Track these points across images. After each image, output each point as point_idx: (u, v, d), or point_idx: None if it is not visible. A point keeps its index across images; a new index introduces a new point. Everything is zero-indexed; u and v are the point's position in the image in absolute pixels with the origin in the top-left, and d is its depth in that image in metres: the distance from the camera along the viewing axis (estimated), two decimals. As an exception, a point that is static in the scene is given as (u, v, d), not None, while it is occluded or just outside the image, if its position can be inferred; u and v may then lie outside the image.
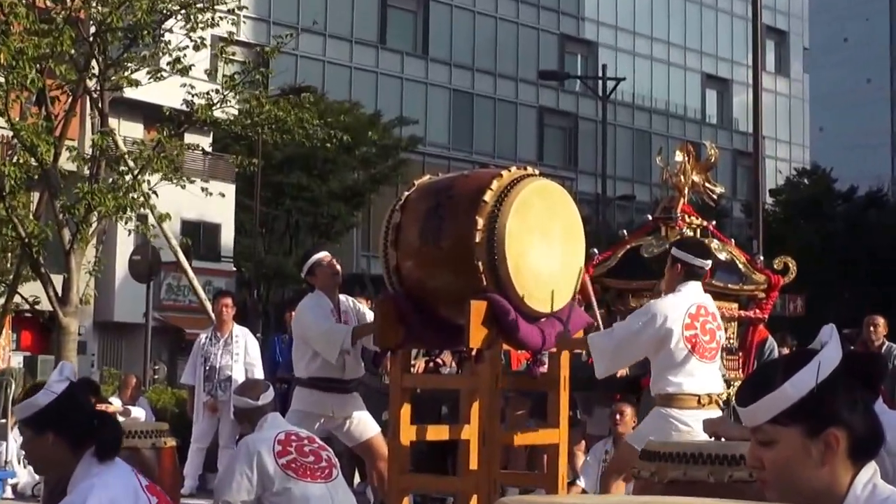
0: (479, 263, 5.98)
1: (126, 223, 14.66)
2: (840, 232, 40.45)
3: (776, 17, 57.75)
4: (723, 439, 5.03)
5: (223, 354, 10.38)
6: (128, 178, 14.43)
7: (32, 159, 13.85)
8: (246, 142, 27.13)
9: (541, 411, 7.16)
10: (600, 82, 31.68)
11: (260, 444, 5.70)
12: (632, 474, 5.62)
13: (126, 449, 3.95)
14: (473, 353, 6.07)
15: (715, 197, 9.08)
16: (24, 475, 10.54)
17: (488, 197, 6.05)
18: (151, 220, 15.64)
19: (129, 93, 16.16)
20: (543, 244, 6.20)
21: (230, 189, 31.74)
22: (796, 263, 9.06)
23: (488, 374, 6.10)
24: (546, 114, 51.03)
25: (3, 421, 10.75)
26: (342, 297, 7.73)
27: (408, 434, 6.39)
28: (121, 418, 6.70)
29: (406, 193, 6.47)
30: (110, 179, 14.67)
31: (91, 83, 14.78)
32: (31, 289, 15.10)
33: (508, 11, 49.89)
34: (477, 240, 5.99)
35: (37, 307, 15.04)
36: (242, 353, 10.42)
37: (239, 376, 10.09)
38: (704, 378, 6.04)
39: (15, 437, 10.18)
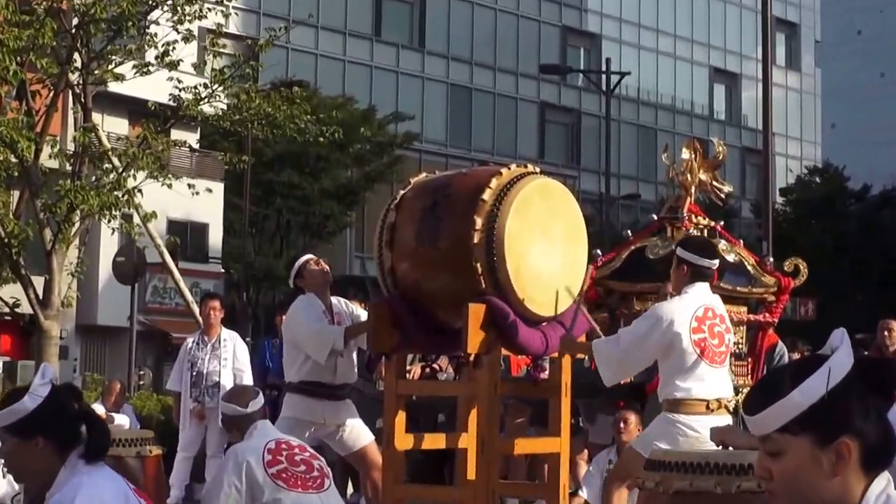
0: (478, 265, 5.99)
1: (110, 222, 14.65)
2: (853, 232, 40.47)
3: (787, 8, 57.80)
4: (730, 448, 5.04)
5: (211, 359, 10.37)
6: (112, 175, 14.43)
7: (12, 156, 13.85)
8: (235, 138, 27.18)
9: (541, 419, 7.17)
10: (604, 76, 31.68)
11: (249, 454, 5.70)
12: (636, 484, 5.63)
13: (110, 457, 3.95)
14: (471, 358, 6.07)
15: (723, 196, 9.09)
16: (3, 485, 10.52)
17: (487, 196, 6.06)
18: (136, 219, 15.63)
19: (114, 87, 16.18)
20: (544, 245, 6.21)
21: (218, 187, 31.75)
22: (807, 265, 9.06)
23: (487, 381, 6.10)
24: (547, 109, 51.05)
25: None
26: (335, 299, 7.74)
27: (403, 442, 6.39)
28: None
29: (402, 192, 6.47)
30: (93, 177, 14.67)
31: (73, 77, 14.79)
32: (10, 291, 15.08)
33: (508, 3, 49.93)
34: (475, 240, 5.99)
35: (17, 310, 15.03)
36: (231, 359, 10.42)
37: (227, 382, 10.09)
38: (714, 383, 6.05)
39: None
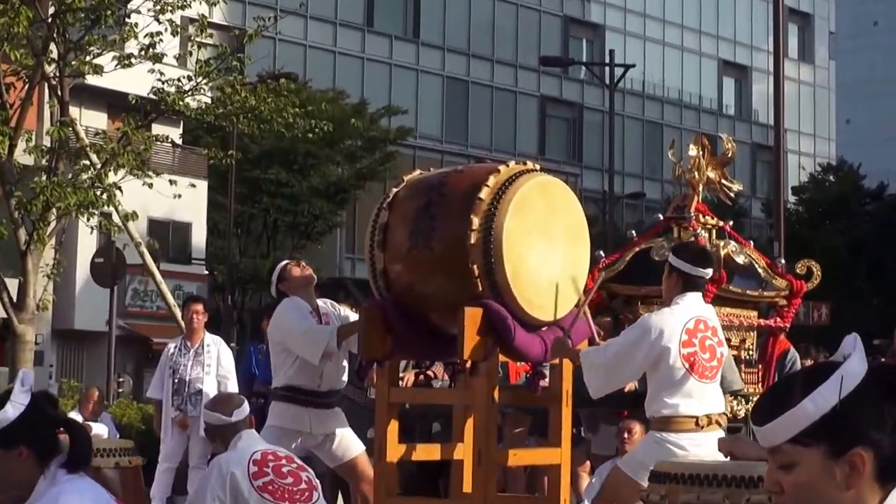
0: (474, 267, 5.99)
1: (89, 220, 14.64)
2: (868, 233, 40.54)
3: (800, -2, 57.96)
4: (739, 459, 5.04)
5: (193, 366, 10.38)
6: (90, 172, 14.42)
7: (-15, 152, 13.85)
8: (219, 133, 27.18)
9: (541, 429, 7.17)
10: (607, 69, 31.71)
11: (234, 465, 5.70)
12: (640, 497, 5.64)
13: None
14: (468, 365, 6.08)
15: (732, 195, 9.09)
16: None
17: (484, 194, 6.06)
18: (116, 218, 15.63)
19: (92, 80, 16.15)
20: (544, 246, 6.21)
21: (202, 185, 31.76)
22: (821, 268, 9.07)
23: (484, 388, 6.10)
24: (548, 103, 51.10)
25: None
26: (321, 301, 7.75)
27: (395, 453, 6.39)
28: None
29: (394, 190, 6.47)
30: (70, 174, 14.66)
31: (50, 68, 14.77)
32: (-17, 293, 15.08)
33: (507, -9, 50.00)
34: (472, 241, 5.99)
35: (-11, 314, 15.03)
36: (215, 365, 10.42)
37: (211, 390, 10.09)
38: (703, 398, 6.01)
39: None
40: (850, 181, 43.88)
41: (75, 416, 11.41)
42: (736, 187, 9.10)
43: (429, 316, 6.34)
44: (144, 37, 14.69)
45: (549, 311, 6.21)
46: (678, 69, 55.22)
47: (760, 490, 4.59)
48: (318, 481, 5.98)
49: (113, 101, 28.74)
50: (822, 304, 23.80)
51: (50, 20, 14.37)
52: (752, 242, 9.32)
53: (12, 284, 14.36)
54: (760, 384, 8.71)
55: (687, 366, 5.95)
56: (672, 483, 4.93)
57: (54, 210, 14.01)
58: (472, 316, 5.95)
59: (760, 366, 8.85)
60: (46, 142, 16.05)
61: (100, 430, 11.30)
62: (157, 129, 17.26)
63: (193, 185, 18.02)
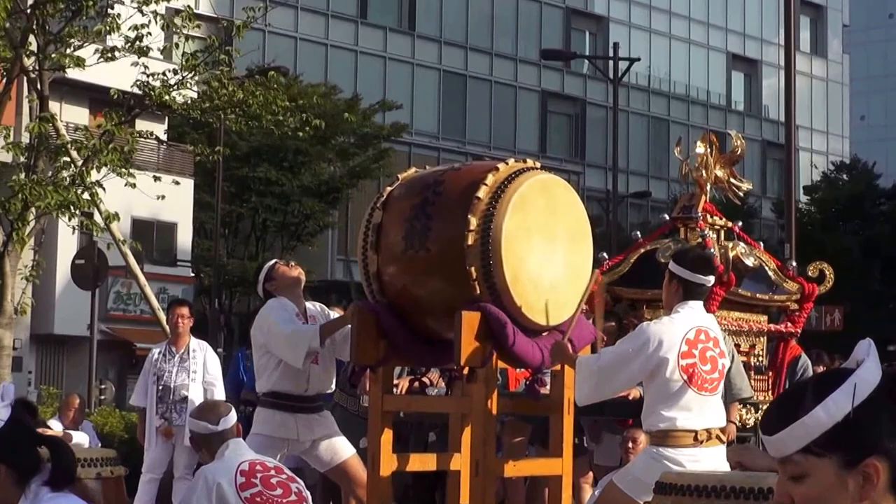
0: (472, 269, 5.99)
1: (70, 220, 14.63)
2: (884, 234, 40.58)
3: (812, -11, 58.00)
4: (748, 470, 5.04)
5: (179, 372, 10.37)
6: (71, 170, 14.41)
7: (-39, 149, 13.86)
8: (206, 129, 27.17)
9: (542, 438, 7.17)
10: (611, 63, 31.72)
11: (220, 475, 5.69)
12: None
13: (67, 480, 3.97)
14: (465, 371, 6.08)
15: (741, 194, 9.11)
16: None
17: (482, 193, 6.06)
18: (98, 218, 15.62)
19: (73, 73, 16.14)
20: (545, 247, 6.21)
21: (188, 183, 31.77)
22: (834, 270, 9.09)
23: (482, 396, 6.10)
24: (549, 99, 51.12)
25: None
26: (311, 303, 7.73)
27: (389, 464, 6.39)
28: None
29: (388, 189, 6.48)
30: (50, 172, 14.65)
31: (29, 61, 14.76)
32: (-42, 296, 15.08)
33: (507, -18, 50.03)
34: (469, 242, 5.99)
35: (-35, 318, 15.01)
36: (201, 371, 10.42)
37: (197, 397, 10.08)
38: (702, 412, 5.97)
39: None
40: (865, 180, 43.93)
41: (55, 423, 11.41)
42: (745, 186, 9.12)
43: (424, 320, 6.34)
44: (129, 29, 14.66)
45: (549, 315, 6.21)
46: (685, 63, 55.25)
47: (770, 502, 4.59)
48: (308, 493, 5.98)
49: (95, 96, 28.76)
50: (835, 308, 23.83)
51: (29, 10, 14.36)
52: (762, 244, 9.34)
53: (-11, 287, 14.37)
54: (770, 391, 8.73)
55: (685, 377, 5.91)
56: (678, 495, 4.94)
57: (33, 209, 14.01)
58: (470, 320, 5.95)
59: (771, 372, 8.87)
60: (25, 138, 16.03)
61: (80, 438, 11.27)
62: (141, 125, 17.24)
63: (177, 183, 18.04)
